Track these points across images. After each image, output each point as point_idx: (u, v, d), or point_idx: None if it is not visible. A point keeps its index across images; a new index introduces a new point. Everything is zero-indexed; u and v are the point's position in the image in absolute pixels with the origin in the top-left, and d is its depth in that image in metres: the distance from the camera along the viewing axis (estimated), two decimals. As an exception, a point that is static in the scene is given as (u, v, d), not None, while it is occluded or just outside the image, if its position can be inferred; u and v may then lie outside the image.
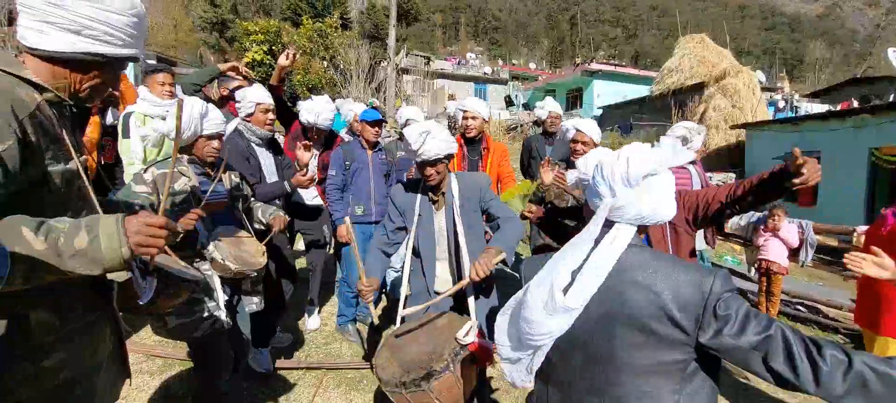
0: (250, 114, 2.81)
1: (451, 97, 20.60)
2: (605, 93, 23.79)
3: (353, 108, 4.00)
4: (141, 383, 2.75)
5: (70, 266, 0.92)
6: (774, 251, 4.55)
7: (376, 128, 3.32)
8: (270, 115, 2.85)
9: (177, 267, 1.37)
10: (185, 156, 2.05)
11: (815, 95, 19.87)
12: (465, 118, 3.44)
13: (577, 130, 2.94)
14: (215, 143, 2.07)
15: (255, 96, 2.79)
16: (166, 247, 1.18)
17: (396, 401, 1.68)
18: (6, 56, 1.05)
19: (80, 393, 1.16)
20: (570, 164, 3.04)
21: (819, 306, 4.89)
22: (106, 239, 0.95)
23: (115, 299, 1.26)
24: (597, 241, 1.12)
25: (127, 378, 1.38)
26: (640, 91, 21.16)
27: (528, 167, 4.38)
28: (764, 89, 18.90)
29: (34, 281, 0.91)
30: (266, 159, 2.90)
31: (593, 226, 1.13)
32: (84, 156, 1.19)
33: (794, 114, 15.14)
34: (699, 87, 15.03)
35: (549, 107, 4.40)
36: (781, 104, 16.74)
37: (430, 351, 1.76)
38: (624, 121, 18.11)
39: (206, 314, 1.91)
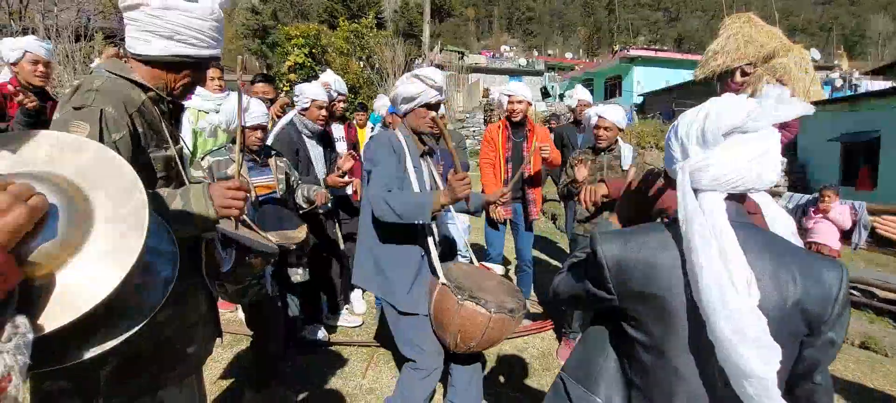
0: (306, 109, 3.07)
1: (486, 92, 20.62)
2: (646, 80, 23.09)
3: (384, 104, 4.22)
4: (214, 355, 3.07)
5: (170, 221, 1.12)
6: (824, 233, 4.42)
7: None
8: (324, 112, 3.09)
9: (252, 239, 1.59)
10: (236, 145, 2.33)
11: (876, 72, 18.53)
12: (511, 102, 3.55)
13: (600, 116, 2.98)
14: (259, 133, 2.35)
15: (311, 93, 3.05)
16: (247, 222, 1.40)
17: (477, 317, 1.84)
18: (119, 63, 1.28)
19: (183, 345, 1.39)
20: (596, 151, 3.11)
21: (874, 290, 4.70)
22: (195, 202, 1.16)
23: (204, 268, 1.49)
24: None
25: (219, 337, 1.61)
26: (683, 76, 20.41)
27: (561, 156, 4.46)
28: (819, 68, 17.82)
29: None
30: (315, 151, 3.17)
31: (682, 199, 0.93)
32: (179, 145, 1.43)
33: (852, 93, 14.22)
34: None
35: (578, 95, 4.46)
36: (839, 83, 15.76)
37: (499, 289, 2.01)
38: (666, 108, 17.57)
39: (253, 282, 2.17)
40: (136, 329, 0.70)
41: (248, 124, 2.33)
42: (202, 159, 2.18)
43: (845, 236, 4.67)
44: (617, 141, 3.05)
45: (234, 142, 2.35)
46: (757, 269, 0.87)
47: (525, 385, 2.95)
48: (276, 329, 2.38)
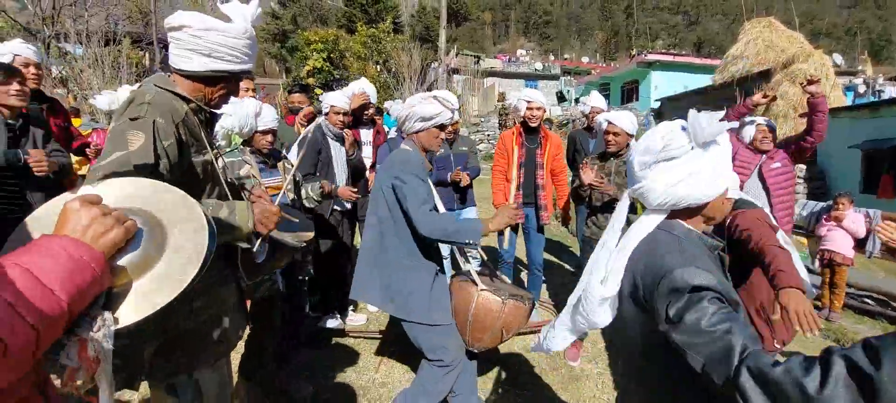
0: (327, 114, 3.39)
1: (502, 96, 20.68)
2: (663, 85, 22.88)
3: (398, 108, 4.43)
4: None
5: (219, 231, 1.28)
6: (838, 241, 4.41)
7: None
8: (341, 117, 3.38)
9: (281, 238, 1.75)
10: (248, 148, 2.50)
11: (903, 78, 18.04)
12: (529, 108, 3.63)
13: (609, 122, 3.02)
14: (269, 137, 2.52)
15: (330, 100, 3.38)
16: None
17: (501, 306, 2.09)
18: (165, 78, 1.44)
19: (218, 329, 1.54)
20: (603, 157, 3.18)
21: (888, 299, 4.66)
22: (240, 214, 1.34)
23: (240, 260, 1.65)
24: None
25: (247, 324, 1.77)
26: (702, 80, 20.19)
27: (573, 161, 4.53)
28: (842, 73, 17.44)
29: None
30: (338, 152, 3.44)
31: (618, 215, 1.18)
32: (215, 150, 1.59)
33: (875, 100, 13.92)
34: (766, 74, 14.18)
35: (592, 102, 4.51)
36: (862, 88, 15.41)
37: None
38: (683, 113, 17.36)
39: (265, 279, 2.32)
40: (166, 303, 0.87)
41: (259, 128, 2.50)
42: (217, 160, 2.37)
43: (860, 244, 4.65)
44: (627, 146, 3.09)
45: (245, 144, 2.53)
46: (631, 263, 1.12)
47: (533, 384, 3.04)
48: (275, 325, 2.54)
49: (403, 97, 16.80)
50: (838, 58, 16.07)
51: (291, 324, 2.91)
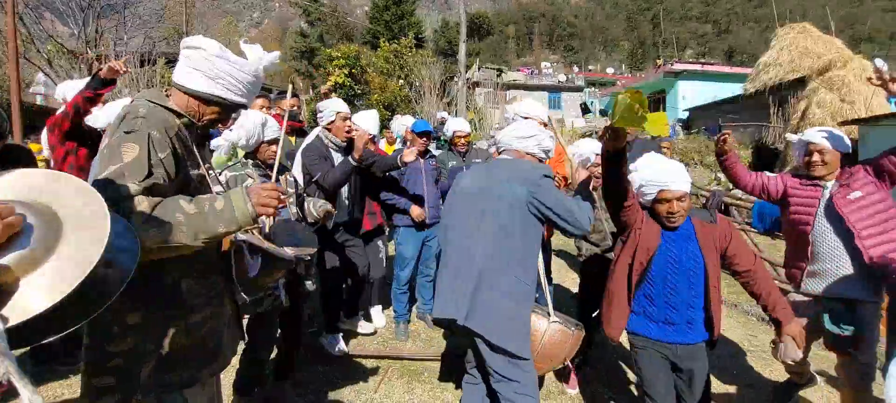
0: (332, 122, 3.10)
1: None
2: (691, 95, 22.26)
3: (405, 123, 4.30)
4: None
5: (212, 223, 1.23)
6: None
7: (425, 139, 3.64)
8: (349, 123, 3.12)
9: (276, 250, 1.68)
10: (250, 160, 2.44)
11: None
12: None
13: (597, 155, 2.79)
14: (274, 147, 2.44)
15: (336, 106, 3.11)
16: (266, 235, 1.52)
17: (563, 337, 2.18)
18: (158, 92, 1.45)
19: (214, 343, 1.51)
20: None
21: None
22: (237, 200, 1.28)
23: (234, 273, 1.59)
24: None
25: (242, 339, 1.72)
26: (734, 89, 19.53)
27: None
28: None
29: (193, 240, 1.21)
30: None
31: None
32: (207, 164, 1.58)
33: (923, 107, 13.06)
34: (801, 82, 13.56)
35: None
36: (909, 94, 14.49)
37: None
38: (712, 123, 16.82)
39: (268, 293, 2.25)
40: (96, 313, 0.83)
41: (266, 138, 2.45)
42: (220, 174, 2.30)
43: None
44: None
45: (247, 156, 2.46)
46: None
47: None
48: (271, 339, 2.46)
49: (423, 111, 16.89)
50: (881, 62, 15.13)
51: (291, 339, 2.83)
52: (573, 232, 2.00)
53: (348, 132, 3.13)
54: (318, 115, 3.21)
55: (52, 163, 2.85)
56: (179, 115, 1.43)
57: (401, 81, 18.80)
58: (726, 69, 24.95)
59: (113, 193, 1.14)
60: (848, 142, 2.49)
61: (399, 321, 3.77)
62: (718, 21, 65.33)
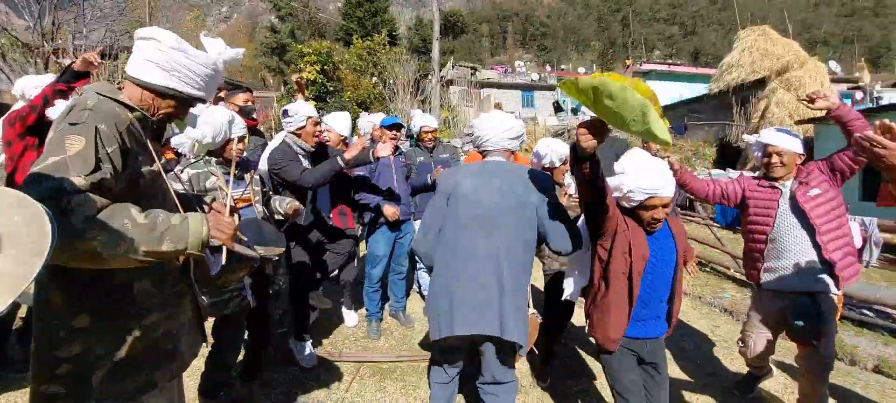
0: (302, 128, 2.95)
1: (498, 106, 20.68)
2: (659, 94, 22.84)
3: (372, 120, 4.20)
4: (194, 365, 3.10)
5: (160, 238, 1.18)
6: (832, 250, 4.26)
7: (395, 132, 3.62)
8: (319, 127, 3.02)
9: (238, 248, 1.62)
10: (213, 158, 2.36)
11: (900, 85, 18.00)
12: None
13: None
14: (241, 145, 2.38)
15: (306, 111, 2.95)
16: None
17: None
18: (107, 85, 1.38)
19: (171, 348, 1.44)
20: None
21: (888, 310, 4.49)
22: (194, 222, 1.25)
23: (192, 273, 1.53)
24: None
25: (204, 342, 1.65)
26: (699, 89, 20.20)
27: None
28: (840, 80, 17.40)
29: (134, 253, 1.15)
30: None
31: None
32: (164, 159, 1.51)
33: (873, 106, 13.83)
34: (762, 82, 14.14)
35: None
36: (859, 95, 15.34)
37: None
38: (678, 122, 17.35)
39: (234, 294, 2.19)
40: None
41: (233, 135, 2.37)
42: (182, 172, 2.22)
43: (857, 254, 4.50)
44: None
45: (210, 154, 2.38)
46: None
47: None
48: (238, 341, 2.40)
49: (397, 109, 16.78)
50: (835, 65, 15.94)
51: (259, 340, 2.76)
52: (555, 250, 1.99)
53: (318, 136, 3.02)
54: (286, 120, 3.02)
55: (3, 159, 2.68)
56: (131, 109, 1.37)
57: (375, 79, 18.62)
58: (692, 70, 25.80)
59: (51, 186, 1.08)
60: (802, 143, 2.57)
61: (371, 319, 3.73)
62: (685, 23, 67.38)
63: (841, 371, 3.37)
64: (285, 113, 3.08)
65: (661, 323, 2.07)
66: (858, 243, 4.33)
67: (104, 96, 1.33)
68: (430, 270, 2.21)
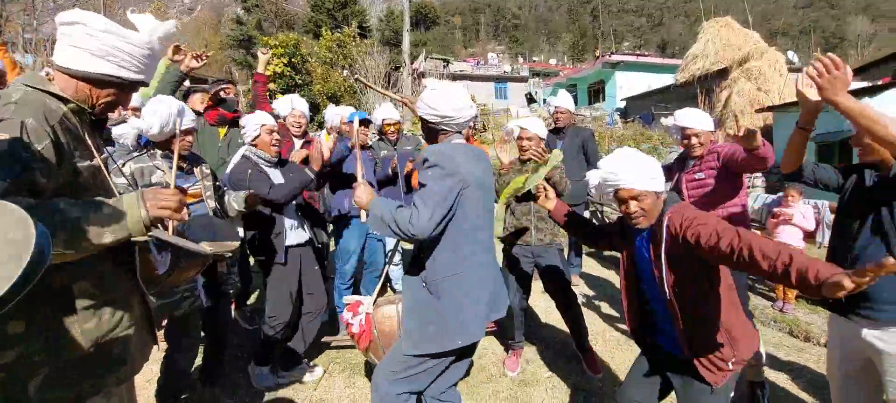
0: (256, 137, 2.70)
1: (472, 98, 20.70)
2: (628, 85, 23.36)
3: (339, 112, 4.01)
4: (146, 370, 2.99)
5: (98, 226, 1.12)
6: (787, 235, 4.44)
7: (364, 128, 3.56)
8: (276, 135, 2.73)
9: (187, 245, 1.55)
10: (159, 152, 2.24)
11: (854, 73, 18.90)
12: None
13: (521, 128, 3.00)
14: (190, 138, 2.29)
15: (258, 119, 2.69)
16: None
17: None
18: (36, 76, 1.29)
19: (117, 352, 1.36)
20: (523, 162, 3.08)
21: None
22: (128, 205, 1.18)
23: (138, 272, 1.43)
24: None
25: (154, 344, 1.57)
26: (666, 80, 20.69)
27: None
28: (797, 70, 18.12)
29: (74, 246, 1.09)
30: (277, 178, 2.76)
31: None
32: (104, 155, 1.42)
33: (827, 94, 14.45)
34: (724, 72, 14.59)
35: (556, 102, 4.38)
36: (814, 84, 15.98)
37: None
38: (646, 112, 17.75)
39: (186, 294, 2.12)
40: None
41: (181, 128, 2.24)
42: (124, 166, 2.10)
43: (810, 236, 4.70)
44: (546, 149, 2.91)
45: (157, 146, 2.24)
46: None
47: (481, 392, 2.91)
48: (193, 343, 2.33)
49: (368, 102, 16.58)
50: (792, 54, 16.58)
51: (216, 342, 2.68)
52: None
53: (276, 146, 2.76)
54: (242, 132, 2.77)
55: None
56: (65, 101, 1.28)
57: (345, 72, 18.30)
58: (659, 60, 26.40)
59: None
60: (712, 122, 2.79)
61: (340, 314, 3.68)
62: (652, 15, 68.85)
63: (795, 348, 3.52)
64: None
65: (677, 343, 1.78)
66: (812, 226, 4.55)
67: (33, 88, 1.24)
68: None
